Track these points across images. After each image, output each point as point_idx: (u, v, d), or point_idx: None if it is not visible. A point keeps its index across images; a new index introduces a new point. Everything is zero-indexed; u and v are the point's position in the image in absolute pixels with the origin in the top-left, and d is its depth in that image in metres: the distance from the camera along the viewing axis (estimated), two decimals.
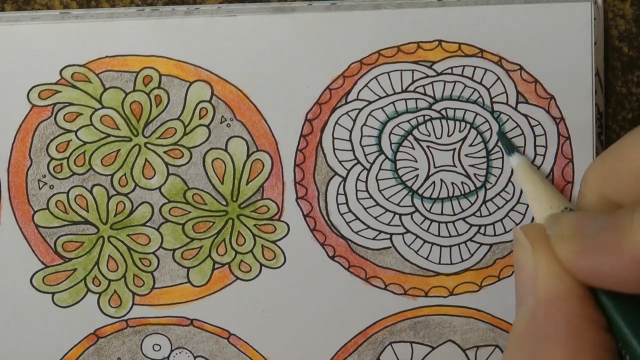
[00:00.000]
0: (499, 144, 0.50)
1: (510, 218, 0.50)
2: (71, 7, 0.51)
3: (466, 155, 0.50)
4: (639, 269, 0.34)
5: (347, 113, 0.50)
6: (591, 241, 0.36)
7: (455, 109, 0.50)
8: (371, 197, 0.50)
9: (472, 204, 0.50)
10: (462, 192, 0.50)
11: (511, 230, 0.51)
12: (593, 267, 0.36)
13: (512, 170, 0.50)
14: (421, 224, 0.50)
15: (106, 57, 0.49)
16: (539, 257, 0.38)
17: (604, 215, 0.37)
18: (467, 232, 0.51)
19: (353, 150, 0.50)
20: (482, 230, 0.50)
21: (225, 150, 0.50)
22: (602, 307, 0.37)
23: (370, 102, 0.50)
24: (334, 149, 0.50)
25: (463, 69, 0.49)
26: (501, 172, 0.50)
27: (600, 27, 0.50)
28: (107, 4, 0.51)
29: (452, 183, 0.50)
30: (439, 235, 0.51)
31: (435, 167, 0.50)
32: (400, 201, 0.50)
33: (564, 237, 0.37)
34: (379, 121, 0.50)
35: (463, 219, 0.50)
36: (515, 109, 0.50)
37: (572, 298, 0.37)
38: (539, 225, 0.41)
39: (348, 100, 0.50)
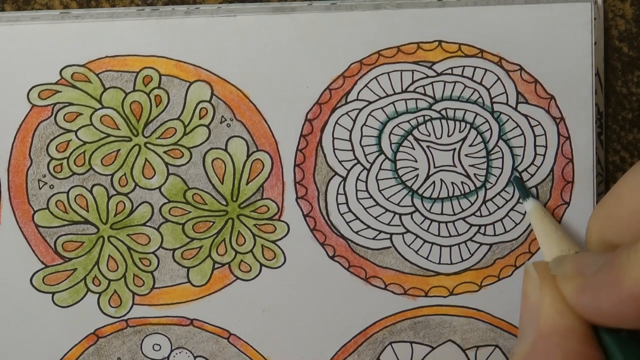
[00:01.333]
0: (515, 188, 0.50)
1: (510, 218, 0.50)
2: (71, 7, 0.51)
3: (466, 155, 0.50)
4: (636, 305, 0.35)
5: (347, 113, 0.50)
6: (591, 279, 0.37)
7: (455, 109, 0.50)
8: (371, 197, 0.50)
9: (472, 204, 0.50)
10: (462, 192, 0.50)
11: (511, 230, 0.51)
12: (593, 304, 0.37)
13: (525, 212, 0.50)
14: (421, 223, 0.50)
15: (106, 57, 0.49)
16: (545, 292, 0.39)
17: (604, 255, 0.38)
18: (467, 232, 0.51)
19: (353, 150, 0.50)
20: (482, 230, 0.50)
21: (225, 150, 0.50)
22: (604, 346, 0.38)
23: (370, 102, 0.50)
24: (334, 149, 0.50)
25: (463, 69, 0.49)
26: (501, 172, 0.50)
27: (600, 27, 0.50)
28: (107, 4, 0.51)
29: (452, 183, 0.50)
30: (439, 235, 0.51)
31: (435, 167, 0.50)
32: (400, 201, 0.50)
33: (567, 276, 0.39)
34: (379, 121, 0.50)
35: (463, 218, 0.50)
36: (515, 109, 0.50)
37: (572, 335, 0.38)
38: (547, 263, 0.42)
39: (348, 101, 0.50)
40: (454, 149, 0.50)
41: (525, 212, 0.50)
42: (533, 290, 0.40)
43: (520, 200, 0.50)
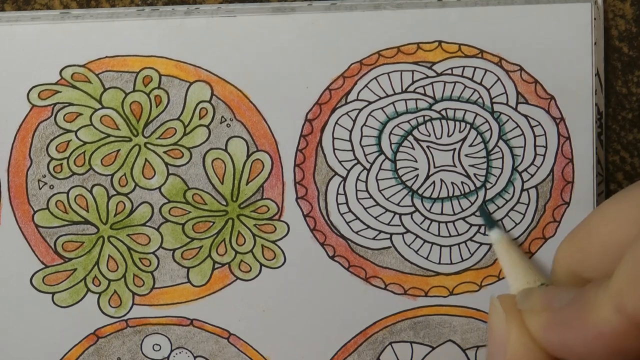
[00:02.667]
0: (481, 217, 0.50)
1: (510, 218, 0.50)
2: (71, 7, 0.51)
3: (466, 155, 0.50)
4: (603, 344, 0.35)
5: (347, 113, 0.50)
6: (558, 315, 0.37)
7: (455, 110, 0.50)
8: (371, 197, 0.50)
9: (472, 204, 0.50)
10: (462, 192, 0.50)
11: (511, 230, 0.51)
12: (560, 340, 0.37)
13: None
14: (421, 223, 0.50)
15: (106, 57, 0.49)
16: (511, 327, 0.39)
17: (572, 290, 0.37)
18: (467, 231, 0.51)
19: (353, 150, 0.50)
20: (482, 230, 0.50)
21: (225, 150, 0.50)
22: None
23: (370, 103, 0.50)
24: (334, 149, 0.50)
25: (463, 69, 0.49)
26: (501, 172, 0.50)
27: (600, 27, 0.50)
28: (107, 4, 0.51)
29: (452, 183, 0.50)
30: (439, 235, 0.51)
31: (435, 167, 0.50)
32: (400, 201, 0.50)
33: (534, 311, 0.38)
34: (379, 121, 0.50)
35: (463, 218, 0.50)
36: (516, 109, 0.50)
37: None
38: (512, 296, 0.42)
39: (348, 101, 0.50)
40: (454, 149, 0.50)
41: (525, 216, 0.50)
42: (499, 324, 0.40)
43: (486, 232, 0.50)
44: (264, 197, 0.50)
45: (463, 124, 0.50)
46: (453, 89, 0.50)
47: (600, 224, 0.38)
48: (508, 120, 0.50)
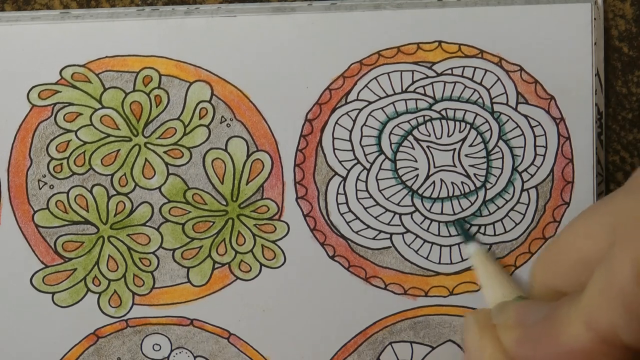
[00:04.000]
0: (458, 231, 0.50)
1: (510, 218, 0.50)
2: (71, 7, 0.51)
3: (466, 155, 0.50)
4: None
5: (347, 113, 0.50)
6: (531, 330, 0.37)
7: (455, 110, 0.50)
8: (371, 196, 0.50)
9: (472, 204, 0.50)
10: (462, 192, 0.50)
11: (511, 230, 0.51)
12: (532, 356, 0.36)
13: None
14: (421, 223, 0.50)
15: (106, 57, 0.49)
16: (485, 344, 0.39)
17: (546, 305, 0.37)
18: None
19: (353, 150, 0.50)
20: (482, 230, 0.50)
21: (225, 150, 0.50)
22: None
23: (370, 103, 0.50)
24: (334, 149, 0.50)
25: (463, 69, 0.49)
26: (501, 172, 0.50)
27: (600, 27, 0.50)
28: (107, 4, 0.51)
29: (452, 183, 0.50)
30: (439, 235, 0.51)
31: (435, 167, 0.50)
32: (400, 201, 0.50)
33: (507, 326, 0.38)
34: (379, 121, 0.50)
35: (463, 218, 0.50)
36: (516, 109, 0.50)
37: None
38: (487, 310, 0.41)
39: (348, 101, 0.50)
40: (454, 149, 0.50)
41: (525, 216, 0.50)
42: (473, 340, 0.39)
43: (463, 244, 0.50)
44: (264, 197, 0.50)
45: (463, 124, 0.50)
46: (453, 89, 0.50)
47: (572, 238, 0.38)
48: (508, 120, 0.50)
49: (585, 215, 0.37)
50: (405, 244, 0.51)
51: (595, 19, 0.49)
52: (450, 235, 0.51)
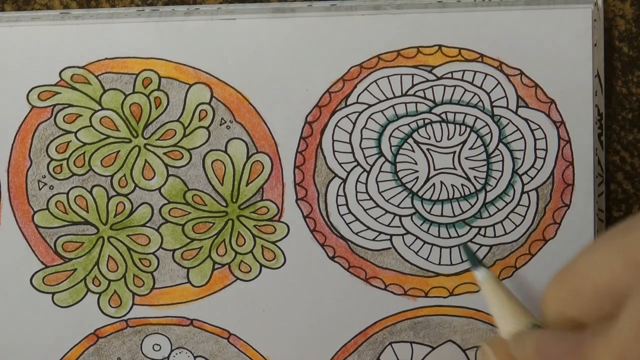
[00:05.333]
0: (464, 257, 0.50)
1: (510, 220, 0.50)
2: (71, 7, 0.51)
3: (466, 158, 0.50)
4: None
5: (347, 116, 0.50)
6: None
7: (455, 113, 0.50)
8: (371, 198, 0.50)
9: (472, 206, 0.50)
10: (462, 194, 0.50)
11: (511, 232, 0.51)
12: None
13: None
14: (421, 225, 0.50)
15: (106, 59, 0.49)
16: None
17: (567, 337, 0.37)
18: (467, 233, 0.51)
19: (353, 152, 0.50)
20: (482, 232, 0.50)
21: (225, 152, 0.50)
22: None
23: (370, 106, 0.50)
24: (334, 151, 0.50)
25: (463, 73, 0.49)
26: (501, 175, 0.50)
27: (601, 28, 0.50)
28: (107, 4, 0.51)
29: (452, 185, 0.50)
30: (439, 237, 0.51)
31: (435, 170, 0.50)
32: (400, 203, 0.50)
33: (528, 359, 0.38)
34: (378, 124, 0.50)
35: (463, 220, 0.50)
36: (516, 113, 0.50)
37: None
38: (504, 340, 0.41)
39: (348, 104, 0.50)
40: (454, 152, 0.50)
41: (525, 218, 0.50)
42: None
43: (471, 269, 0.49)
44: (263, 198, 0.50)
45: (463, 127, 0.50)
46: (453, 92, 0.49)
47: (588, 268, 0.37)
48: (508, 123, 0.50)
49: (601, 245, 0.36)
50: (405, 245, 0.51)
51: (595, 20, 0.49)
52: (450, 237, 0.51)
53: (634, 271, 0.34)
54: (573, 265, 0.38)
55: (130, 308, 0.51)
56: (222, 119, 0.50)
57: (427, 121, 0.50)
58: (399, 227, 0.50)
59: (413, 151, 0.50)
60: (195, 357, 0.52)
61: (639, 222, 0.36)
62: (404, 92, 0.49)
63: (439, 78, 0.49)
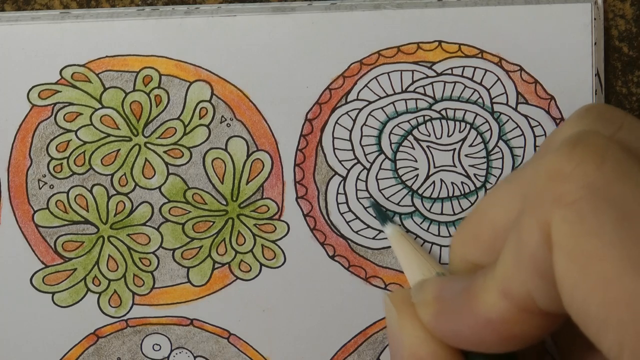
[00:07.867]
0: (374, 213, 0.50)
1: None
2: (71, 7, 0.51)
3: (466, 155, 0.50)
4: (493, 330, 0.34)
5: (347, 113, 0.50)
6: (448, 304, 0.37)
7: (455, 110, 0.50)
8: (371, 196, 0.50)
9: (472, 204, 0.50)
10: (462, 192, 0.50)
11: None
12: (451, 329, 0.36)
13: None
14: (421, 223, 0.50)
15: (106, 57, 0.49)
16: (404, 323, 0.39)
17: (464, 278, 0.37)
18: None
19: (353, 150, 0.50)
20: None
21: (225, 150, 0.50)
22: None
23: (370, 102, 0.50)
24: (334, 148, 0.50)
25: (463, 69, 0.49)
26: (501, 173, 0.50)
27: (600, 27, 0.50)
28: (107, 3, 0.51)
29: (452, 183, 0.50)
30: (439, 235, 0.51)
31: (435, 167, 0.50)
32: (400, 201, 0.50)
33: (426, 302, 0.38)
34: (379, 121, 0.50)
35: (463, 219, 0.50)
36: (516, 109, 0.50)
37: None
38: (406, 290, 0.41)
39: (348, 100, 0.50)
40: (454, 149, 0.50)
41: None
42: (393, 322, 0.39)
43: (380, 226, 0.50)
44: (264, 196, 0.50)
45: (463, 124, 0.50)
46: (453, 89, 0.50)
47: (489, 207, 0.37)
48: (508, 120, 0.50)
49: (498, 186, 0.37)
50: None
51: (595, 19, 0.49)
52: (450, 236, 0.51)
53: (524, 204, 0.34)
54: (475, 208, 0.38)
55: (130, 308, 0.51)
56: (222, 116, 0.50)
57: (427, 118, 0.50)
58: (399, 225, 0.50)
59: (413, 148, 0.50)
60: (195, 357, 0.52)
61: (531, 159, 0.36)
62: (404, 89, 0.50)
63: (439, 74, 0.49)
